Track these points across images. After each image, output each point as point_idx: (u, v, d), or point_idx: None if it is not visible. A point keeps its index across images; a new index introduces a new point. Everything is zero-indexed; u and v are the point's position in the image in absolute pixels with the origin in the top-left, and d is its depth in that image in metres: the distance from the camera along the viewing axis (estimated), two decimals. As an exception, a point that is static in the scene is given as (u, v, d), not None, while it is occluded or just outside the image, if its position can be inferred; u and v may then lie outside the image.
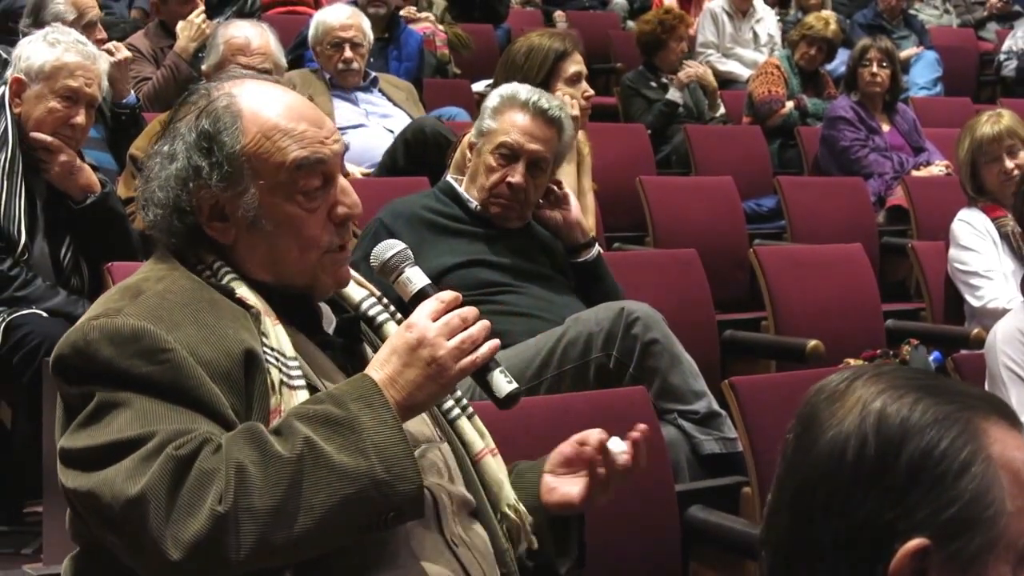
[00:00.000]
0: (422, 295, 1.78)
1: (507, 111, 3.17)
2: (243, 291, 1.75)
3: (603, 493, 1.88)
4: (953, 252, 4.32)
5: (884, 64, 6.16)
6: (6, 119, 3.52)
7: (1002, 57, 8.60)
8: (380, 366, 1.68)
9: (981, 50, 9.28)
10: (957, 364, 3.24)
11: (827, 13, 7.35)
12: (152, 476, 1.54)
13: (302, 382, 1.71)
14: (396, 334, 1.71)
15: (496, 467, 1.90)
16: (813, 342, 3.67)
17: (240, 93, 1.79)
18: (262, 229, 1.75)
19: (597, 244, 3.37)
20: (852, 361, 3.72)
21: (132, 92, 4.66)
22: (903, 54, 7.96)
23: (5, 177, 3.46)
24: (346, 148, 1.88)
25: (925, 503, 1.01)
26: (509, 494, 1.89)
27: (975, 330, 3.97)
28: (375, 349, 1.83)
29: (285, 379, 1.70)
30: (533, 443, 2.12)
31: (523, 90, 3.22)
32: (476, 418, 1.93)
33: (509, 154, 3.14)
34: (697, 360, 3.09)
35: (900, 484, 1.02)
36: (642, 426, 1.88)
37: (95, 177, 3.57)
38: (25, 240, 3.46)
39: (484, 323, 1.73)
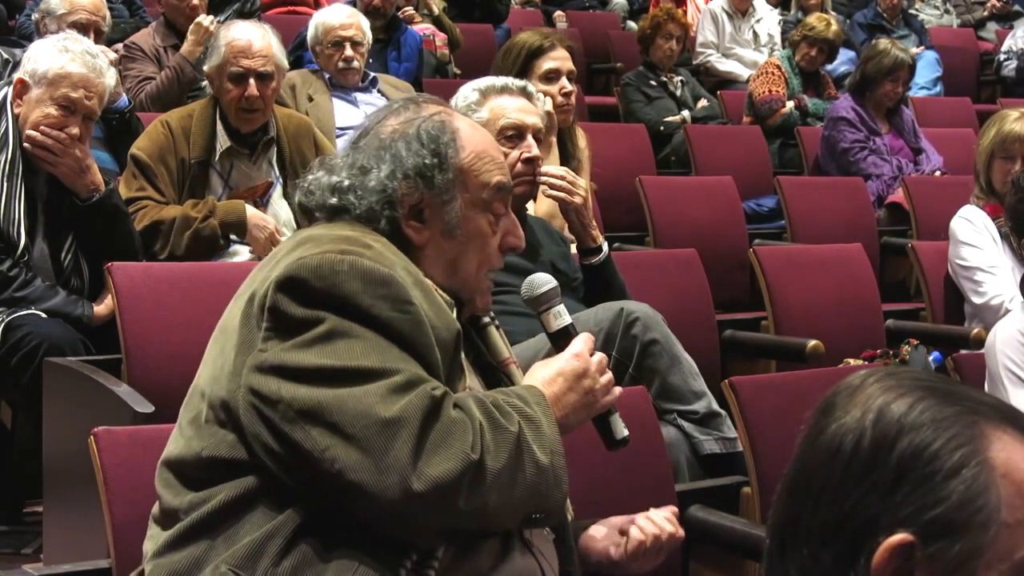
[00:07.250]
0: (568, 331, 1.95)
1: (490, 99, 3.20)
2: (429, 283, 1.85)
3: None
4: (953, 249, 4.31)
5: (906, 81, 6.14)
6: (7, 120, 3.52)
7: (1002, 57, 8.59)
8: (547, 384, 1.83)
9: (981, 50, 9.28)
10: (957, 364, 3.24)
11: (828, 14, 7.34)
12: (410, 405, 1.63)
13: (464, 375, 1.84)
14: (562, 358, 1.87)
15: None
16: (813, 342, 3.66)
17: (452, 115, 1.96)
18: (455, 238, 1.90)
19: (606, 248, 3.37)
20: (852, 361, 3.72)
21: (124, 95, 4.55)
22: (903, 54, 7.96)
23: (5, 178, 3.46)
24: None
25: (911, 500, 1.01)
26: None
27: (975, 330, 3.97)
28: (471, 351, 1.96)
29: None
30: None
31: (494, 80, 3.27)
32: None
33: (515, 134, 3.17)
34: (697, 360, 3.08)
35: (889, 479, 1.02)
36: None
37: (100, 175, 3.58)
38: (25, 241, 3.46)
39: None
